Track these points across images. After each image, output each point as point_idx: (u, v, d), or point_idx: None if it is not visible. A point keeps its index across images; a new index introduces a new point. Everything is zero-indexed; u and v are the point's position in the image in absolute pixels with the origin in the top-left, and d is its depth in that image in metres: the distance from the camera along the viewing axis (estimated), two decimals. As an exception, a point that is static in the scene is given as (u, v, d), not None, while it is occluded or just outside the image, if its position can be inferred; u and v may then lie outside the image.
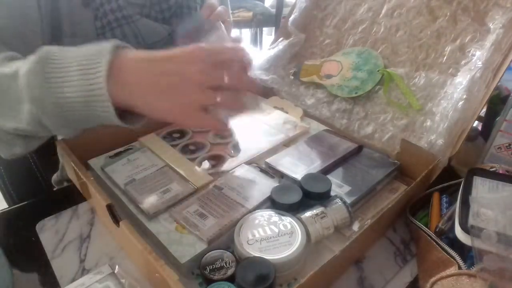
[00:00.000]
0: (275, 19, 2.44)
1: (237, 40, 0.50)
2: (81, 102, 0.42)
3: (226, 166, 0.58)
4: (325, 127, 0.69)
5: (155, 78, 0.42)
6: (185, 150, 0.61)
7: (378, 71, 0.68)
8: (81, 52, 0.43)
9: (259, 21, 2.46)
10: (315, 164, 0.57)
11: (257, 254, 0.42)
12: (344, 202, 0.48)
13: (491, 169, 0.54)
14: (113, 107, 0.42)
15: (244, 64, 0.47)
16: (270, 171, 0.57)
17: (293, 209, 0.48)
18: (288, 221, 0.46)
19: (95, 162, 0.58)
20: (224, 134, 0.63)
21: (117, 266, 0.47)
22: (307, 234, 0.45)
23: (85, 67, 0.41)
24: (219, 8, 0.56)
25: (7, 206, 0.63)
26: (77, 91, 0.42)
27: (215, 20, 0.56)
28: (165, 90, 0.43)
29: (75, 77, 0.41)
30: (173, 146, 0.62)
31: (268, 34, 3.05)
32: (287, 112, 0.72)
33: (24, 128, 0.47)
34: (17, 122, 0.46)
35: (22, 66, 0.43)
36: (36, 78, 0.42)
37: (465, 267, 0.42)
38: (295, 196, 0.49)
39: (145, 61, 0.43)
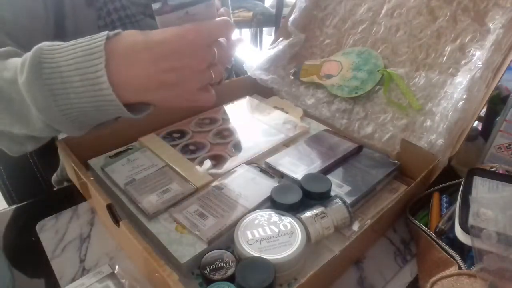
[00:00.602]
0: (275, 19, 2.44)
1: (224, 12, 0.51)
2: (92, 107, 0.42)
3: (226, 166, 0.58)
4: (325, 127, 0.69)
5: (161, 77, 0.42)
6: (185, 150, 0.61)
7: (378, 71, 0.68)
8: (73, 54, 0.41)
9: (259, 21, 2.46)
10: (315, 164, 0.57)
11: (257, 254, 0.42)
12: (344, 202, 0.48)
13: (491, 169, 0.54)
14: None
15: (231, 40, 0.49)
16: (270, 171, 0.57)
17: (293, 209, 0.48)
18: (288, 221, 0.46)
19: (95, 162, 0.58)
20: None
21: (117, 266, 0.47)
22: (307, 234, 0.45)
23: (85, 73, 0.40)
24: (221, 10, 0.56)
25: (7, 206, 0.62)
26: (84, 97, 0.41)
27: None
28: (171, 84, 0.43)
29: (77, 83, 0.41)
30: (173, 146, 0.62)
31: (268, 34, 3.05)
32: (287, 112, 0.72)
33: (38, 135, 0.47)
34: (30, 130, 0.46)
35: (19, 71, 0.42)
36: (39, 89, 0.41)
37: (465, 267, 0.42)
38: (295, 196, 0.49)
39: (145, 55, 0.42)
